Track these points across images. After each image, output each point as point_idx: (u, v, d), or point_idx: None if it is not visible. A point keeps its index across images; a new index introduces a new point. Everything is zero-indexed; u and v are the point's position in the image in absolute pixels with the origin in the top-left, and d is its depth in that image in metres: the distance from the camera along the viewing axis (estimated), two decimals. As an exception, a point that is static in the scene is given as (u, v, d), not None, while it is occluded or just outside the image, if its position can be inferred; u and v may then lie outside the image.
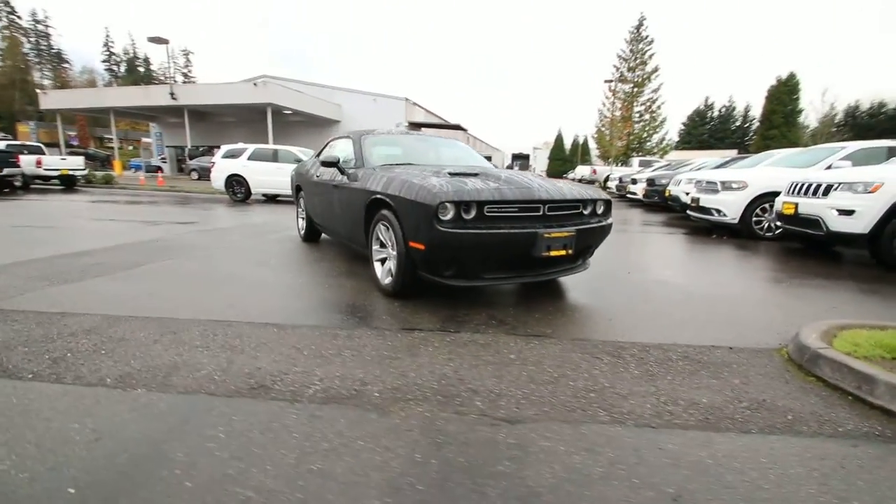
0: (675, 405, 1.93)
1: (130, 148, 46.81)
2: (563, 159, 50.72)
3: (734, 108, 54.35)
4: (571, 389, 2.04)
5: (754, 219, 7.23)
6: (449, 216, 2.86)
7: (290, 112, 25.89)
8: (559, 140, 63.77)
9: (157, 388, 1.95)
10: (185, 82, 58.66)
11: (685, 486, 1.43)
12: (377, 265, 3.62)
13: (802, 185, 5.76)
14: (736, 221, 7.29)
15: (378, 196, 3.40)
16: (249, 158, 12.18)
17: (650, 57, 26.92)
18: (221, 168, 12.32)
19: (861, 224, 4.92)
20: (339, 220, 4.39)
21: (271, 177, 11.92)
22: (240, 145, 12.89)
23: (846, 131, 30.59)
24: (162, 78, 65.86)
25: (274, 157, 12.17)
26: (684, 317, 3.14)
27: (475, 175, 3.40)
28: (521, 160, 37.00)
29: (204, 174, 24.19)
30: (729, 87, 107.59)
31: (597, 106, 29.72)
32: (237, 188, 12.24)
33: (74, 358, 2.22)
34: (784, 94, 37.09)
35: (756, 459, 1.58)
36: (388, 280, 3.43)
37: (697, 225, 8.89)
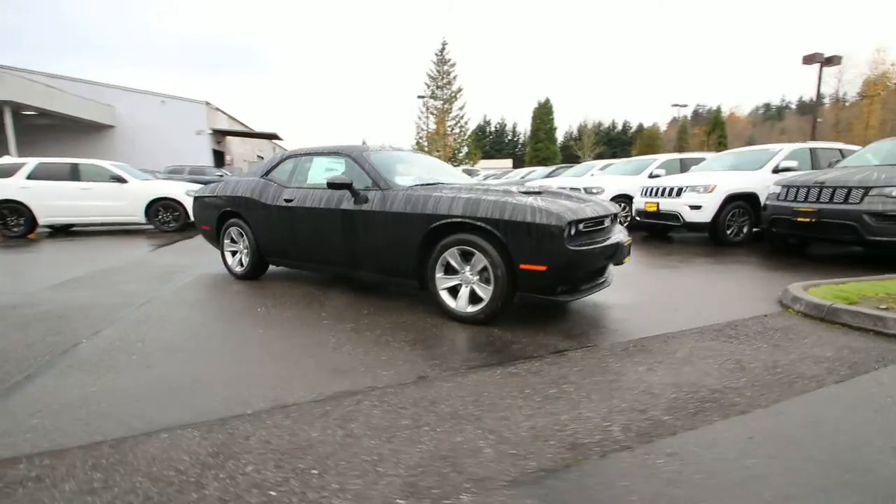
0: (825, 364, 2.53)
1: None
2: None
3: (505, 125, 65.15)
4: (766, 369, 2.44)
5: (610, 216, 9.16)
6: (567, 235, 2.93)
7: (33, 113, 19.41)
8: (364, 150, 64.56)
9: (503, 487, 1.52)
10: None
11: (928, 414, 2.00)
12: (444, 294, 3.35)
13: (657, 189, 7.64)
14: (599, 219, 9.09)
15: (456, 220, 3.16)
16: (30, 177, 8.82)
17: (454, 78, 30.27)
18: (-21, 192, 8.56)
19: (705, 215, 6.87)
20: (349, 249, 3.81)
21: (73, 201, 8.93)
22: (7, 159, 9.19)
23: (597, 147, 40.76)
24: None
25: (73, 174, 9.10)
26: (702, 301, 3.95)
27: (539, 193, 3.50)
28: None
29: None
30: (501, 107, 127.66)
31: (412, 119, 31.38)
32: (12, 219, 8.71)
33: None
34: (544, 115, 46.65)
35: (911, 384, 2.28)
36: (472, 308, 3.22)
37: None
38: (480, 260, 3.14)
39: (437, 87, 29.82)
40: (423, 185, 3.78)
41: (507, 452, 1.72)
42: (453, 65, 29.87)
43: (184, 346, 2.85)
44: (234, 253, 4.93)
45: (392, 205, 3.51)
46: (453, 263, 3.29)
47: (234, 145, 29.07)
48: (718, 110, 41.70)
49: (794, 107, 77.62)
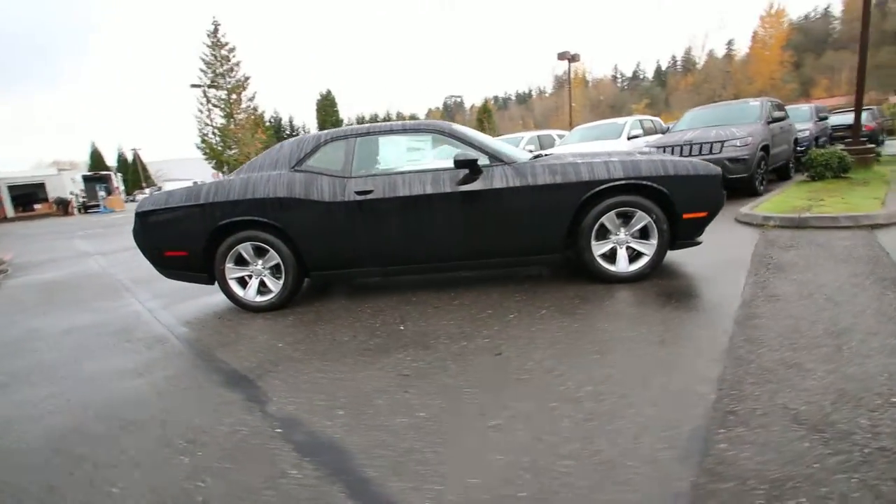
0: (870, 250, 3.71)
1: None
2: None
3: (280, 119, 60.86)
4: (870, 262, 3.43)
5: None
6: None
7: None
8: (98, 157, 51.17)
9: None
10: None
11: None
12: (601, 260, 3.36)
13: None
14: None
15: (620, 182, 3.19)
16: None
17: (238, 64, 26.18)
18: None
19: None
20: (473, 236, 3.35)
21: None
22: None
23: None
24: None
25: None
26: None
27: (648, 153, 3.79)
28: (101, 182, 26.96)
29: None
30: (271, 100, 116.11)
31: (193, 113, 25.62)
32: None
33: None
34: (328, 107, 45.65)
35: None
36: (634, 266, 3.35)
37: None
38: (642, 218, 3.28)
39: (217, 75, 25.44)
40: (539, 155, 3.61)
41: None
42: (232, 49, 25.93)
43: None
44: (242, 280, 3.58)
45: (534, 177, 3.25)
46: (609, 227, 3.33)
47: None
48: (468, 103, 48.49)
49: (513, 98, 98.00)
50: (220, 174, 25.35)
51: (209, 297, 4.14)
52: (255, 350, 2.81)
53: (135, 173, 50.12)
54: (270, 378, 2.38)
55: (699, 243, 3.50)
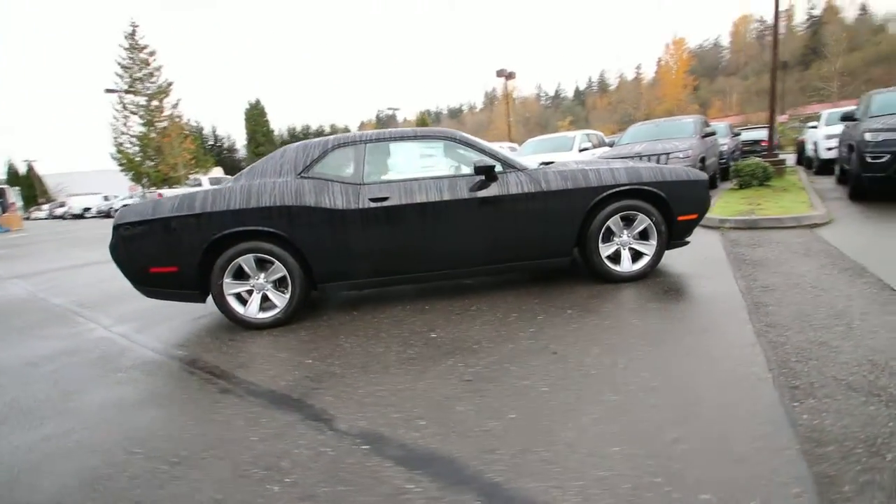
0: (830, 242, 4.26)
1: None
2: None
3: (202, 128, 57.00)
4: (836, 258, 3.93)
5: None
6: (705, 185, 3.71)
7: None
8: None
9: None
10: None
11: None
12: (606, 262, 3.55)
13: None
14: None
15: (623, 188, 3.40)
16: None
17: (158, 69, 23.92)
18: None
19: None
20: (488, 241, 3.40)
21: None
22: None
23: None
24: None
25: None
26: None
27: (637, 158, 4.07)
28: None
29: None
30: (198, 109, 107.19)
31: (108, 121, 22.82)
32: None
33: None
34: (257, 116, 43.63)
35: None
36: (637, 266, 3.58)
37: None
38: (643, 221, 3.52)
39: (135, 80, 23.14)
40: (545, 164, 3.75)
41: (907, 317, 2.42)
42: (152, 52, 23.75)
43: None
44: (240, 296, 3.32)
45: (548, 183, 3.37)
46: (614, 229, 3.53)
47: None
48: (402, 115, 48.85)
49: (446, 112, 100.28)
50: (140, 187, 23.10)
51: (187, 317, 3.77)
52: (283, 368, 2.61)
53: (29, 188, 44.23)
54: (319, 395, 2.22)
55: (688, 243, 3.82)
